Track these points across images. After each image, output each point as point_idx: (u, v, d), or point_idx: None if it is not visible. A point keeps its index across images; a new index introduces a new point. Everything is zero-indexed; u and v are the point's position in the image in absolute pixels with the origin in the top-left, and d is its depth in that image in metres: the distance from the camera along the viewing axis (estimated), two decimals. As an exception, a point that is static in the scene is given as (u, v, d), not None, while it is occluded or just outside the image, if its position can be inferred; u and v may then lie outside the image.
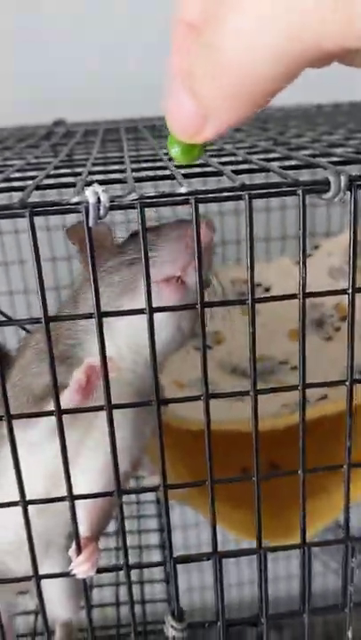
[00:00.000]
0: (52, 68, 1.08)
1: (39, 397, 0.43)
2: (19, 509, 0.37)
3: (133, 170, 0.40)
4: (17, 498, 0.37)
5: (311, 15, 0.24)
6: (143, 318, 0.34)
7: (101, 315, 0.34)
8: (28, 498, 0.37)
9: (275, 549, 0.40)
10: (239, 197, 0.32)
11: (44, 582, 0.59)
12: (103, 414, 0.43)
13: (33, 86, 1.07)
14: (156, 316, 0.34)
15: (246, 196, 0.32)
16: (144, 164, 0.46)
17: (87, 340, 0.45)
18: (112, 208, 0.31)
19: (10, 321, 0.42)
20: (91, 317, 0.34)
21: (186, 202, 0.32)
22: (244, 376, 0.81)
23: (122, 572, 0.39)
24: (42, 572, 0.56)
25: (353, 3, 0.24)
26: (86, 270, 0.46)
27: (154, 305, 0.34)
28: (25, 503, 0.37)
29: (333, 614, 0.43)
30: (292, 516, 0.72)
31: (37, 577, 0.38)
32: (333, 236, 1.01)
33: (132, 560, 0.82)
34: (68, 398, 0.39)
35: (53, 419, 0.36)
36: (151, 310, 0.34)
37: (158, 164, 0.45)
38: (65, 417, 0.36)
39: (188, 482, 0.42)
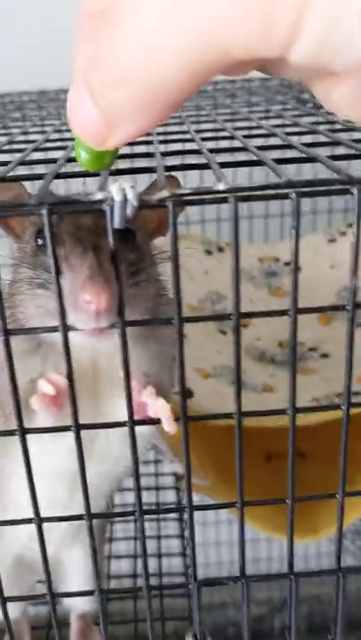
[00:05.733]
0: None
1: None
2: (45, 485, 0.34)
3: (163, 154, 0.36)
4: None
5: (219, 17, 0.20)
6: None
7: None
8: (45, 497, 0.34)
9: (307, 575, 0.37)
10: (286, 196, 0.28)
11: (64, 570, 0.58)
12: (106, 390, 0.41)
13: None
14: None
15: (294, 195, 0.28)
16: (172, 145, 0.42)
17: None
18: (140, 207, 0.27)
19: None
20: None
21: (224, 200, 0.28)
22: (273, 363, 0.78)
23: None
24: (70, 555, 0.56)
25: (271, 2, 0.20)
26: (18, 257, 0.40)
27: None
28: (39, 520, 0.34)
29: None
30: (321, 511, 0.70)
31: (52, 595, 0.36)
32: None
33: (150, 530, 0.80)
34: (42, 417, 0.37)
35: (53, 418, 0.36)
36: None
37: (188, 144, 0.41)
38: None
39: (216, 504, 0.39)
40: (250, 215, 0.99)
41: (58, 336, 0.30)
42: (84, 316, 0.33)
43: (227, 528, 1.17)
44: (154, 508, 0.85)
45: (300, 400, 0.70)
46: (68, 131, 0.35)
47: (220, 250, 0.91)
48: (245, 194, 0.28)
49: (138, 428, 0.32)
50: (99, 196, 0.27)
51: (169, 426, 0.36)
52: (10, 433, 0.32)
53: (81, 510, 0.38)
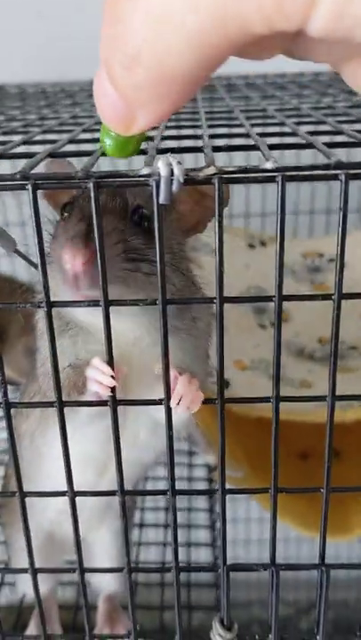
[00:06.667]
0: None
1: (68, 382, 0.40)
2: (74, 469, 0.35)
3: (210, 136, 0.36)
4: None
5: None
6: None
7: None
8: (74, 480, 0.34)
9: (339, 567, 0.37)
10: (335, 177, 0.28)
11: (92, 551, 0.58)
12: (137, 379, 0.40)
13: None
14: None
15: (343, 176, 0.27)
16: (220, 130, 0.42)
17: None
18: (186, 182, 0.27)
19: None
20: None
21: (272, 179, 0.28)
22: (312, 359, 0.76)
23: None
24: (97, 538, 0.57)
25: None
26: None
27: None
28: (73, 494, 0.35)
29: None
30: (352, 510, 0.69)
31: (82, 569, 0.36)
32: None
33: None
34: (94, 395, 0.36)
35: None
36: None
37: (236, 129, 0.41)
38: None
39: (248, 488, 0.39)
40: (295, 211, 0.98)
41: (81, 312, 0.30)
42: (65, 278, 0.33)
43: (257, 525, 1.16)
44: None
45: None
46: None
47: (263, 244, 0.90)
48: (293, 173, 0.27)
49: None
50: (145, 170, 0.27)
51: (194, 403, 0.35)
52: (49, 404, 0.32)
53: (112, 485, 0.38)
